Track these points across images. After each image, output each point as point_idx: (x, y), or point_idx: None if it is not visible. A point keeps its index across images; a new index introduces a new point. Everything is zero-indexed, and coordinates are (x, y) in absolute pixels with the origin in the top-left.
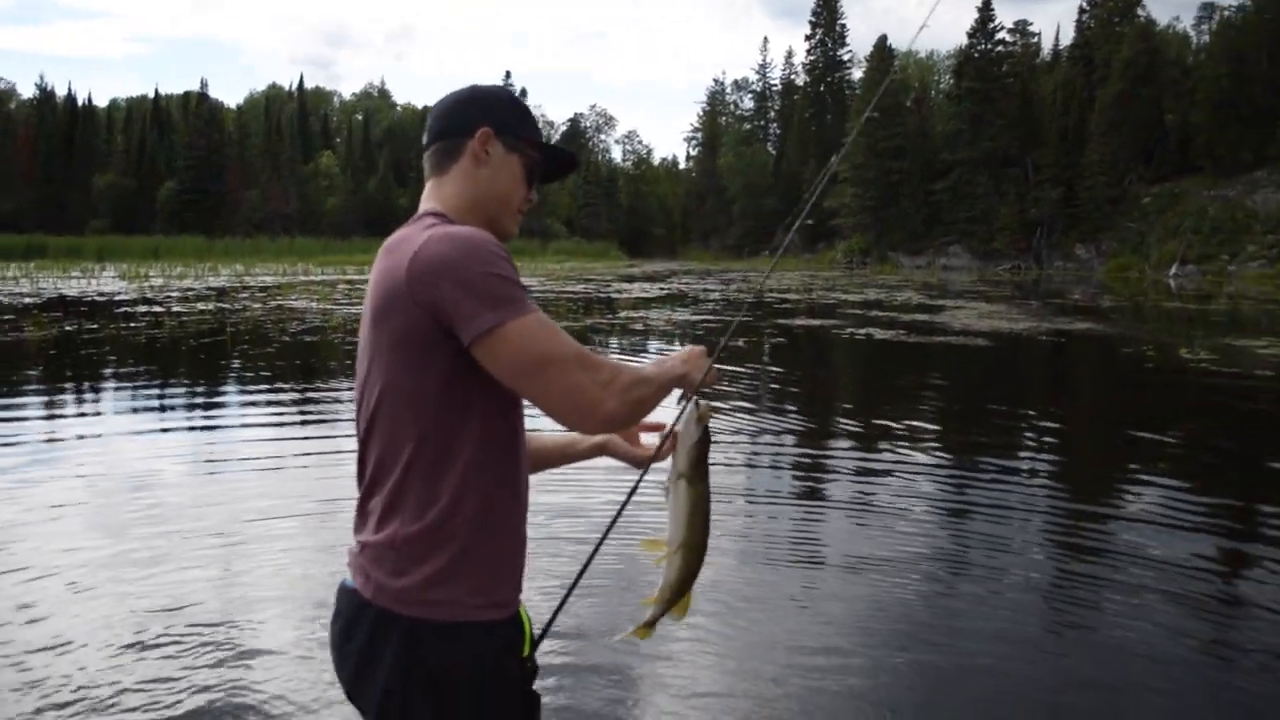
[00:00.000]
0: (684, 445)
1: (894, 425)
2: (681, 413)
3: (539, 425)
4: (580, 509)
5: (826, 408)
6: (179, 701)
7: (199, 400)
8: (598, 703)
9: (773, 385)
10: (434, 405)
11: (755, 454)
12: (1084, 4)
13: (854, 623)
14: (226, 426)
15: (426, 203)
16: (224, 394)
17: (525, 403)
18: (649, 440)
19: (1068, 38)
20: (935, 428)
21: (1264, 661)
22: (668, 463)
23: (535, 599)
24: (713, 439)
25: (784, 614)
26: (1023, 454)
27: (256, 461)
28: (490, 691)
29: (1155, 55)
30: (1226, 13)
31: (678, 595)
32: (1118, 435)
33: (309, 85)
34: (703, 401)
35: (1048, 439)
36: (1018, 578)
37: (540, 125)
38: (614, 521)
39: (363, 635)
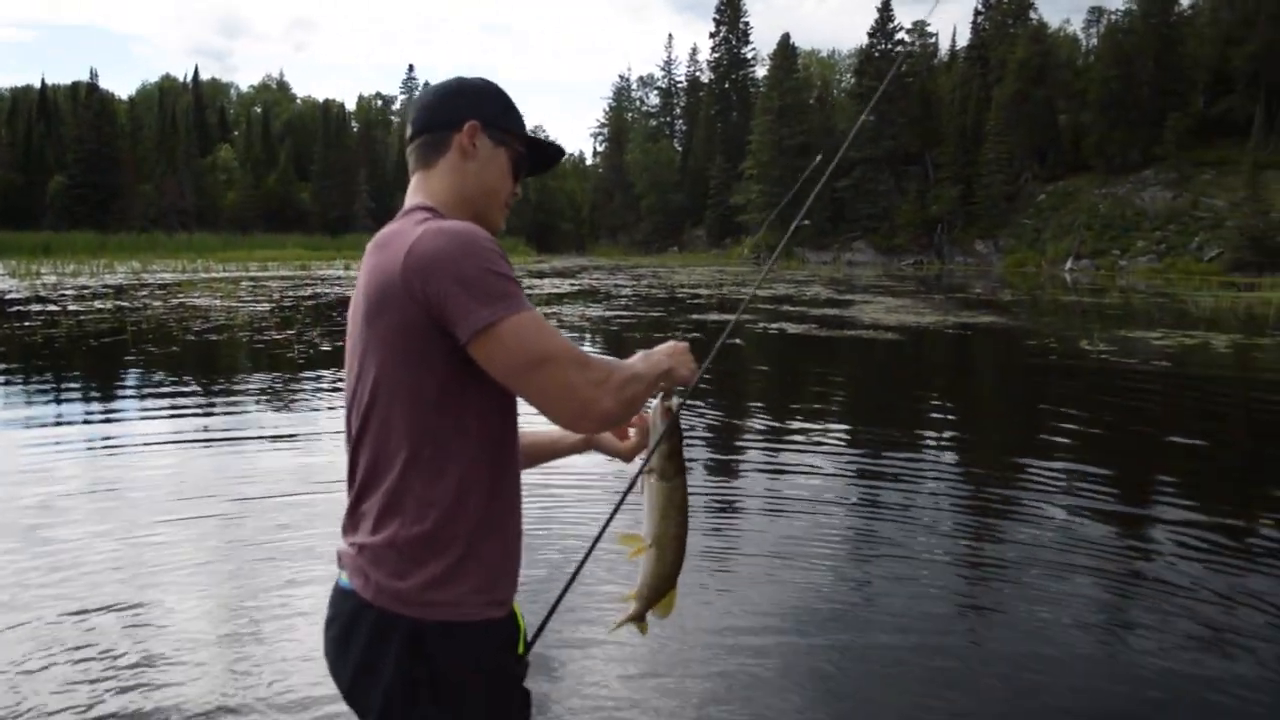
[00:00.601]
0: (653, 440)
1: (808, 418)
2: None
3: (526, 421)
4: (574, 504)
5: (740, 402)
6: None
7: (102, 402)
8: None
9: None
10: (431, 403)
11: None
12: (979, 6)
13: (770, 610)
14: (131, 429)
15: (414, 196)
16: (128, 395)
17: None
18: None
19: (964, 39)
20: (848, 419)
21: (1163, 629)
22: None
23: (523, 596)
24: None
25: (704, 604)
26: (936, 442)
27: (163, 462)
28: (491, 689)
29: (1047, 57)
30: (1113, 16)
31: (655, 592)
32: (1026, 423)
33: (204, 76)
34: (674, 397)
35: (958, 428)
36: (929, 561)
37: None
38: (610, 519)
39: (363, 637)
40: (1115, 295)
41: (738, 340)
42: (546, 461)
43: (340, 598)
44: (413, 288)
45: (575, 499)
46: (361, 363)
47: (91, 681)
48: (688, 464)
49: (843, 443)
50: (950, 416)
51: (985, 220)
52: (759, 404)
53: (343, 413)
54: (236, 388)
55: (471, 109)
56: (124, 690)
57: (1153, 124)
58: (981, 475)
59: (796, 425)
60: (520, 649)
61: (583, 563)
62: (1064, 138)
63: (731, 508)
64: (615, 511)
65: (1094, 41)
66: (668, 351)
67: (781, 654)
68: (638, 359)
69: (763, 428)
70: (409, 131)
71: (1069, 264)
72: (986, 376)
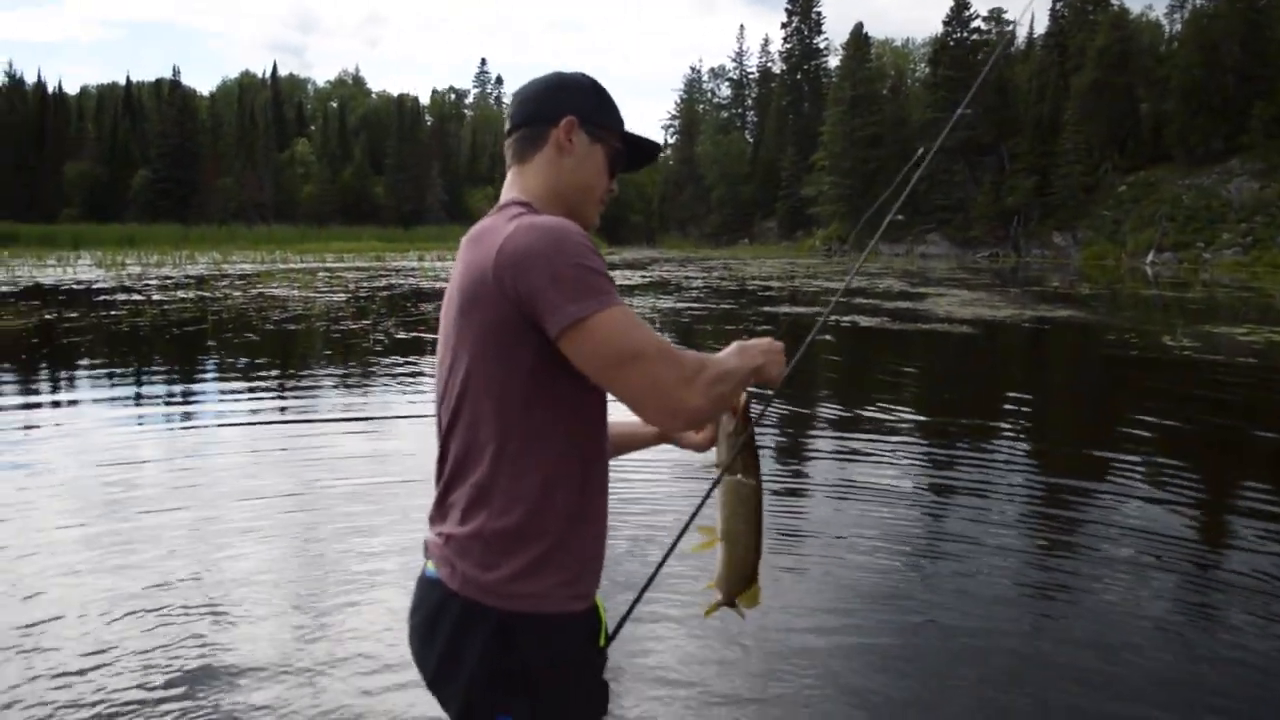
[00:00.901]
0: (722, 436)
1: (880, 409)
2: None
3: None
4: (653, 494)
5: (814, 394)
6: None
7: (186, 389)
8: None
9: None
10: (521, 398)
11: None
12: None
13: (838, 595)
14: (212, 415)
15: (509, 191)
16: (210, 383)
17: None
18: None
19: (1042, 26)
20: (921, 412)
21: (1239, 624)
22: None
23: (605, 589)
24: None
25: (776, 588)
26: (1010, 436)
27: (241, 451)
28: (574, 681)
29: (1128, 44)
30: (1198, 2)
31: (731, 585)
32: (1104, 417)
33: (282, 72)
34: (743, 393)
35: (1033, 422)
36: (1000, 550)
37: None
38: (695, 513)
39: (449, 626)
40: (1199, 289)
41: (809, 333)
42: (624, 454)
43: (426, 586)
44: (504, 283)
45: (654, 488)
46: (454, 356)
47: (153, 666)
48: (761, 455)
49: (915, 435)
50: (1025, 410)
51: (1063, 212)
52: (831, 395)
53: (420, 401)
54: (312, 374)
55: (570, 104)
56: (190, 667)
57: (1238, 112)
58: (1057, 469)
59: (869, 416)
60: (601, 641)
61: (666, 557)
62: (1145, 126)
63: (803, 494)
64: (700, 507)
65: (1177, 27)
66: (763, 349)
67: (849, 640)
68: (731, 352)
69: (834, 418)
70: (507, 125)
71: (1150, 257)
72: (1063, 371)
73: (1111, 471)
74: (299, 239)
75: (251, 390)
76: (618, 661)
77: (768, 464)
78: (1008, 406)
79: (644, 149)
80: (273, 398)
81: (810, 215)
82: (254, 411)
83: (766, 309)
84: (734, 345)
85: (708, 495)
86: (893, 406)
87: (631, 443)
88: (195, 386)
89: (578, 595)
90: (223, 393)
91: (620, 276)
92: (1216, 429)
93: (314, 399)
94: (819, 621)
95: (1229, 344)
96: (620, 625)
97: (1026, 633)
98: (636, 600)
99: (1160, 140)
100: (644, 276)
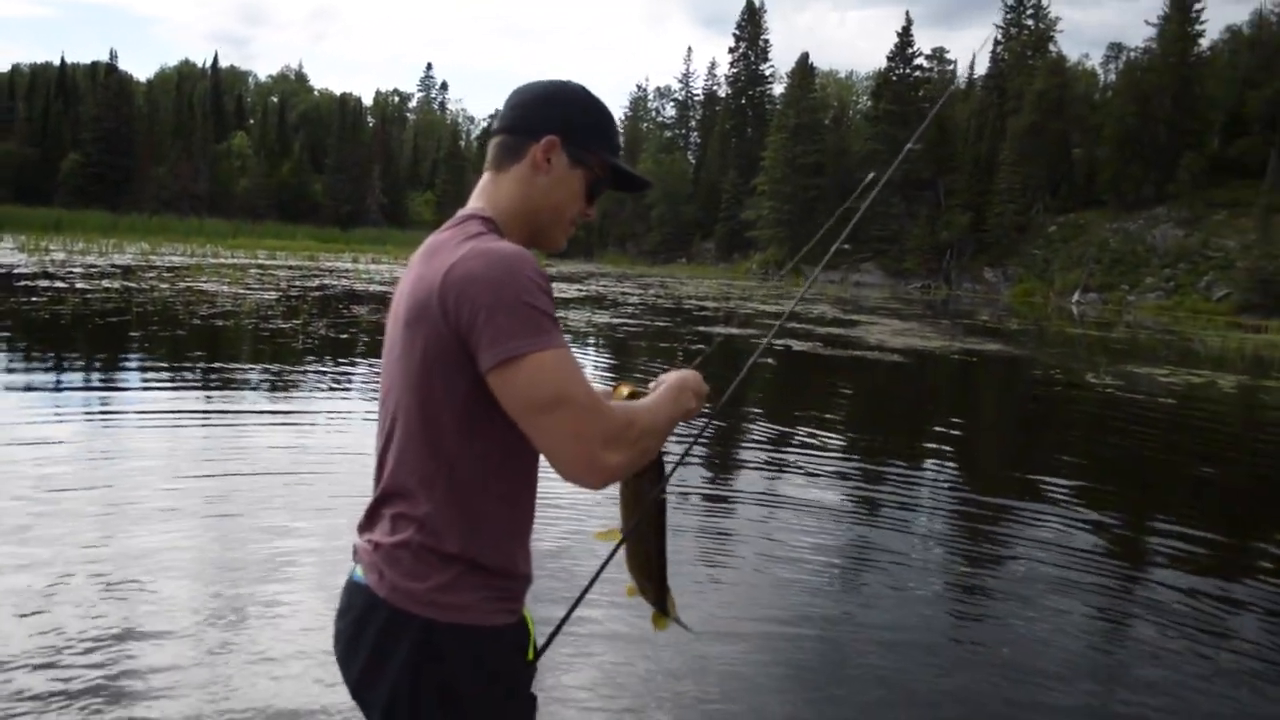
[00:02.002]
0: None
1: (810, 431)
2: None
3: None
4: (583, 504)
5: (745, 413)
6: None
7: (105, 379)
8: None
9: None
10: (455, 423)
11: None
12: (999, 36)
13: (761, 608)
14: (130, 405)
15: (477, 199)
16: (130, 374)
17: None
18: None
19: (983, 68)
20: (848, 435)
21: (1147, 637)
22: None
23: (541, 602)
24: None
25: (695, 601)
26: (936, 461)
27: (158, 441)
28: (501, 695)
29: (1065, 90)
30: (1132, 54)
31: (650, 596)
32: (1028, 448)
33: (223, 63)
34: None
35: (959, 449)
36: (921, 568)
37: (616, 133)
38: (630, 530)
39: (374, 633)
40: (1122, 330)
41: (742, 353)
42: None
43: (354, 591)
44: (446, 307)
45: (582, 493)
46: (396, 368)
47: (70, 666)
48: (687, 463)
49: (842, 457)
50: (953, 435)
51: (995, 249)
52: (762, 415)
53: (345, 398)
54: (237, 370)
55: (556, 121)
56: (99, 668)
57: (1167, 162)
58: (981, 495)
59: (798, 436)
60: (530, 655)
61: (599, 571)
62: (1078, 171)
63: (729, 511)
64: (636, 522)
65: (1112, 77)
66: (694, 390)
67: (769, 651)
68: (664, 400)
69: (765, 437)
70: (495, 123)
71: (1076, 296)
72: (990, 402)
73: (1033, 499)
74: (231, 234)
75: (173, 383)
76: (544, 676)
77: (693, 478)
78: (936, 430)
79: (630, 182)
80: (195, 391)
81: (748, 238)
82: (174, 404)
83: (701, 328)
84: (667, 388)
85: (648, 504)
86: (821, 429)
87: None
88: (114, 376)
89: (505, 609)
90: (143, 384)
91: (556, 289)
92: (1134, 460)
93: (237, 394)
94: (738, 634)
95: (1150, 383)
96: (550, 640)
97: (949, 642)
98: (567, 615)
99: (1093, 185)
100: (580, 290)
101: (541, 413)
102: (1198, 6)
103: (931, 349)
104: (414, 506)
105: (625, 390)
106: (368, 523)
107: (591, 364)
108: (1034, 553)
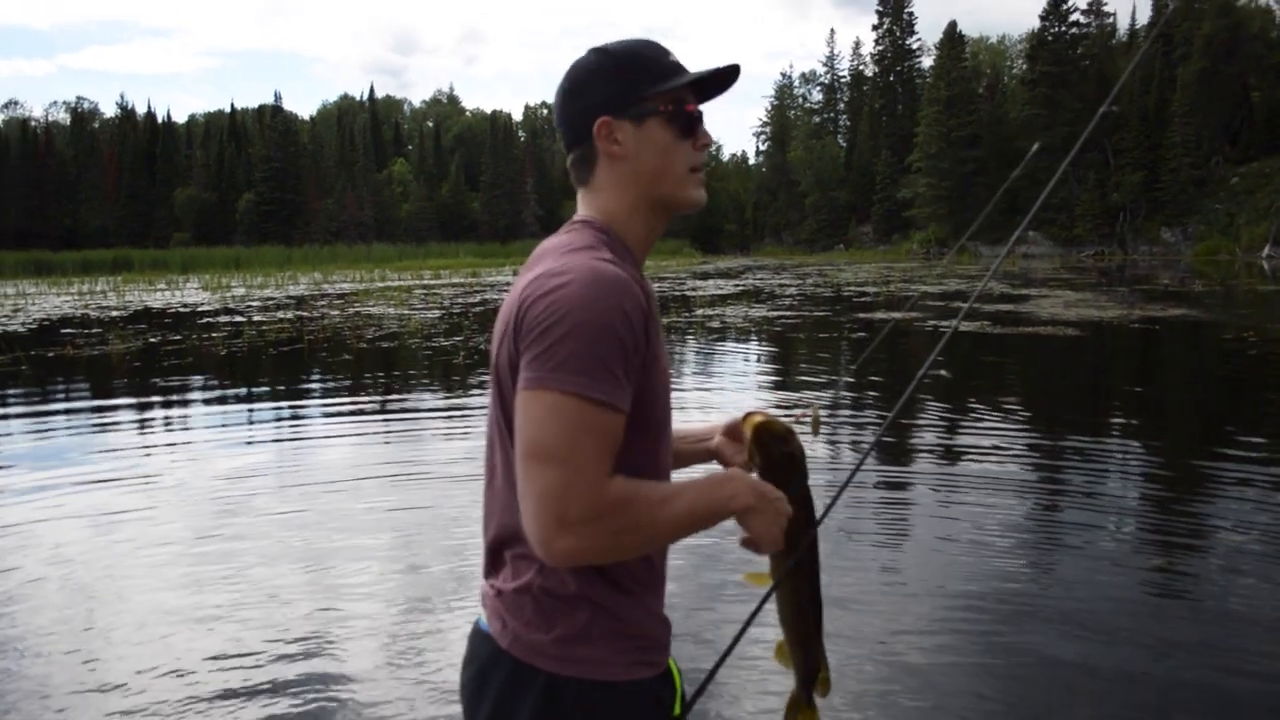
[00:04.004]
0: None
1: (982, 414)
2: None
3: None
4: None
5: (913, 399)
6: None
7: (271, 411)
8: None
9: (859, 377)
10: None
11: (837, 438)
12: None
13: (940, 596)
14: (300, 436)
15: (580, 208)
16: (298, 405)
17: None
18: None
19: (1144, 16)
20: (1024, 417)
21: None
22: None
23: (693, 651)
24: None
25: (879, 590)
26: (1120, 436)
27: (337, 470)
28: None
29: (1237, 30)
30: None
31: (797, 666)
32: (1219, 420)
33: (380, 94)
34: (787, 431)
35: (1145, 421)
36: (1113, 546)
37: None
38: (786, 571)
39: (498, 685)
40: None
41: (907, 337)
42: (681, 468)
43: (479, 640)
44: (516, 325)
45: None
46: (493, 391)
47: (260, 695)
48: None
49: (1018, 439)
50: (1137, 409)
51: (1172, 207)
52: (932, 399)
53: None
54: (402, 396)
55: (593, 105)
56: (296, 701)
57: None
58: (1171, 470)
59: (970, 420)
60: (677, 710)
61: (750, 619)
62: (1258, 115)
63: (906, 493)
64: (792, 563)
65: None
66: (752, 491)
67: (948, 641)
68: (697, 490)
69: (938, 422)
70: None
71: (1267, 250)
72: (1177, 371)
73: (1226, 478)
74: (397, 257)
75: (346, 407)
76: None
77: (871, 461)
78: (1118, 404)
79: (716, 80)
80: (371, 414)
81: (907, 218)
82: (355, 428)
83: (861, 315)
84: (711, 479)
85: (802, 545)
86: (996, 410)
87: (679, 458)
88: (292, 403)
89: (640, 661)
90: (321, 408)
91: (713, 286)
92: None
93: (410, 410)
94: (915, 626)
95: None
96: (699, 693)
97: (1142, 636)
98: (716, 666)
99: (1275, 129)
100: (736, 285)
101: (527, 457)
102: None
103: (1109, 319)
104: (527, 543)
105: (756, 420)
106: (489, 565)
107: (744, 362)
108: (1235, 529)
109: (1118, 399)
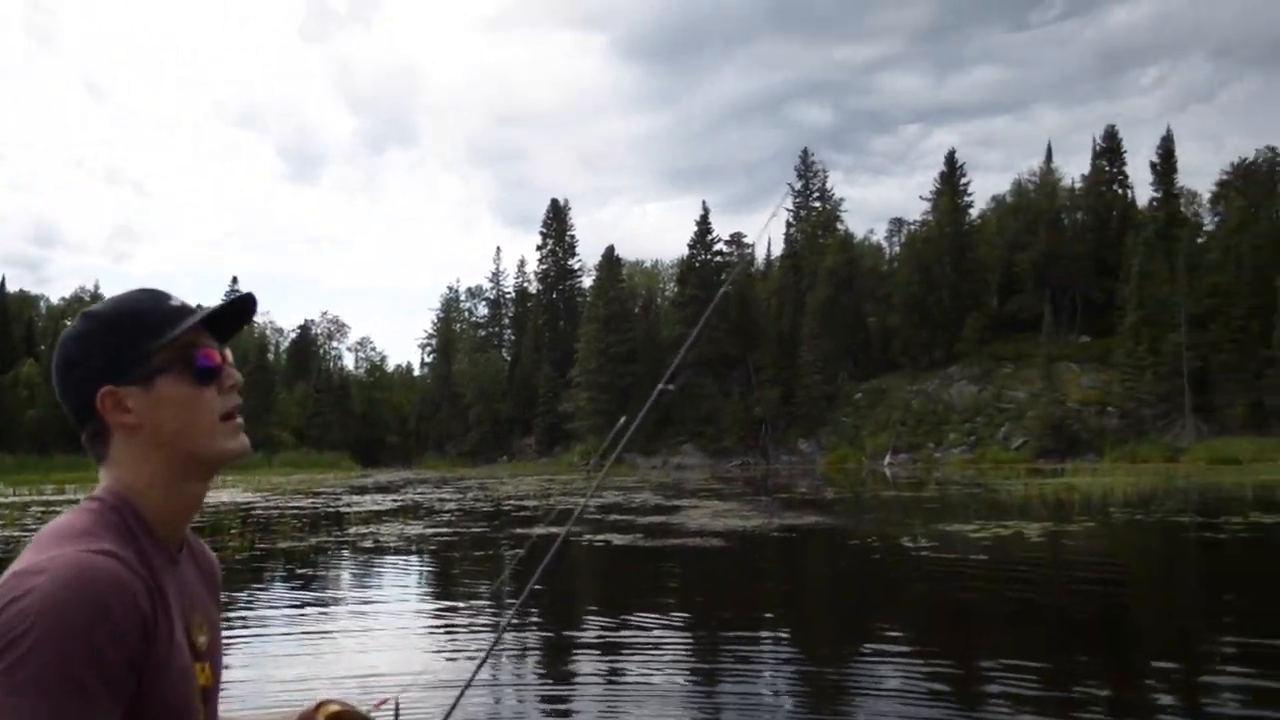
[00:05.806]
0: None
1: (636, 630)
2: None
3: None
4: None
5: (558, 617)
6: None
7: None
8: None
9: (514, 600)
10: None
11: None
12: (790, 219)
13: None
14: None
15: (101, 482)
16: None
17: None
18: None
19: (779, 248)
20: (675, 629)
21: None
22: None
23: None
24: None
25: None
26: (768, 643)
27: None
28: None
29: (854, 265)
30: (912, 226)
31: None
32: (848, 623)
33: (13, 289)
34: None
35: (788, 625)
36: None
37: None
38: None
39: None
40: (932, 487)
41: (563, 555)
42: None
43: None
44: None
45: None
46: None
47: None
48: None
49: (671, 648)
50: (779, 615)
51: (806, 419)
52: (573, 622)
53: None
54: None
55: (91, 375)
56: None
57: (953, 324)
58: (818, 664)
59: (626, 638)
60: None
61: None
62: (874, 339)
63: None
64: None
65: (896, 249)
66: None
67: None
68: None
69: (591, 636)
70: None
71: (887, 458)
72: (810, 579)
73: (862, 668)
74: (17, 469)
75: None
76: None
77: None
78: (759, 619)
79: (231, 314)
80: None
81: (568, 430)
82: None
83: (519, 530)
84: None
85: None
86: (645, 625)
87: None
88: None
89: None
90: None
91: (370, 501)
92: (951, 618)
93: None
94: None
95: (963, 541)
96: None
97: None
98: None
99: (888, 350)
100: (395, 500)
101: None
102: (964, 180)
103: (752, 529)
104: None
105: (331, 710)
106: None
107: (400, 585)
108: (879, 704)
109: (758, 607)
